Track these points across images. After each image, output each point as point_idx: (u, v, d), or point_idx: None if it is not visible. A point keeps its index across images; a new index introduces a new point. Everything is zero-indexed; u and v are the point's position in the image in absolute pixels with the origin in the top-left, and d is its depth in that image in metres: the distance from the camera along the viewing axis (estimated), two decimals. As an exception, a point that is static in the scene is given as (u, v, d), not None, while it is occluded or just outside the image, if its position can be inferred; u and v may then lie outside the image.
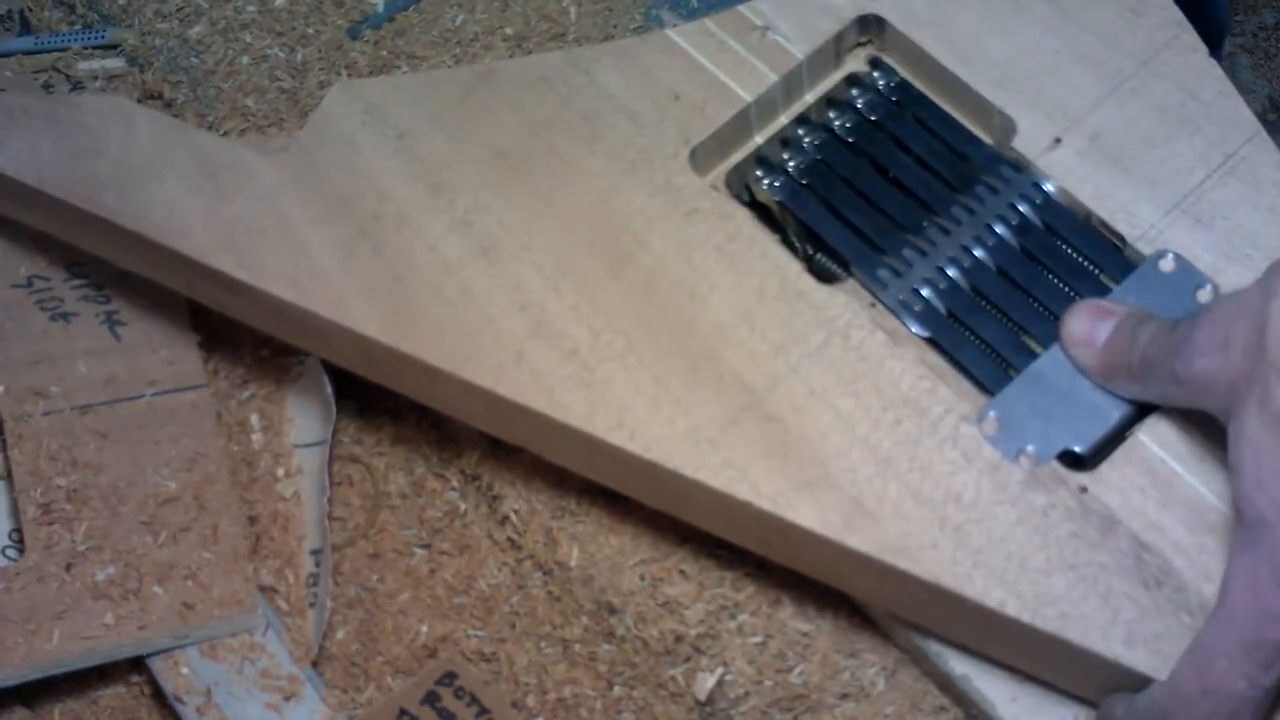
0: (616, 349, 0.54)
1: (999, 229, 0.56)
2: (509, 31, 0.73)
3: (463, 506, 0.62)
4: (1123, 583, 0.48)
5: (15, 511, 0.60)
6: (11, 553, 0.60)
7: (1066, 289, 0.55)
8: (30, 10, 0.78)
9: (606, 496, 0.59)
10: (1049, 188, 0.56)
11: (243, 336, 0.65)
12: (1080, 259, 0.55)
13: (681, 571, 0.57)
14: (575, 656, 0.58)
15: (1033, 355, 0.53)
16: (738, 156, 0.60)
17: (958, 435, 0.51)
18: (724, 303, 0.55)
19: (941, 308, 0.55)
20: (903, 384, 0.52)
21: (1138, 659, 0.47)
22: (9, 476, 0.60)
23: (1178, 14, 0.59)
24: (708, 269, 0.55)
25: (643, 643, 0.57)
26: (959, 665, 0.53)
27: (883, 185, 0.58)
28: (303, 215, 0.58)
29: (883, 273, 0.55)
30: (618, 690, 0.57)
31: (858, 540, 0.50)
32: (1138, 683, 0.47)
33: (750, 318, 0.54)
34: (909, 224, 0.57)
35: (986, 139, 0.59)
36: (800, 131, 0.60)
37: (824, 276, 0.56)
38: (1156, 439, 0.50)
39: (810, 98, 0.61)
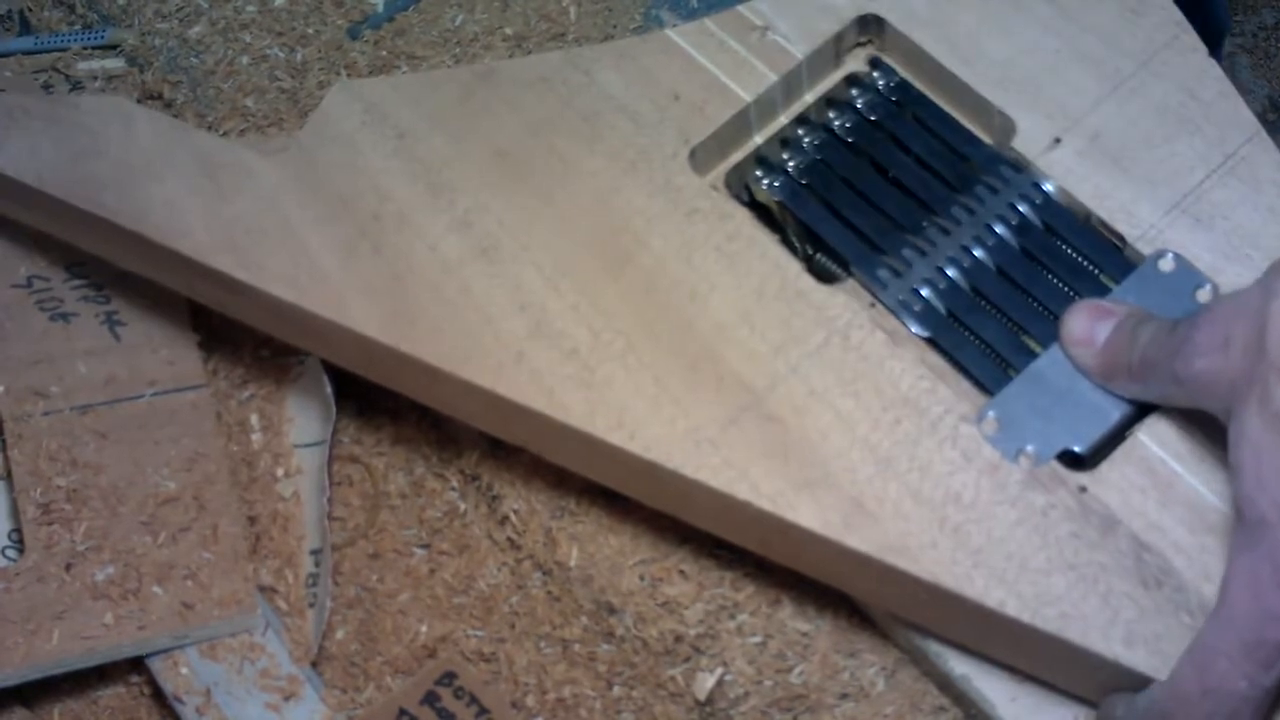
0: (616, 349, 0.54)
1: (999, 229, 0.56)
2: (509, 31, 0.73)
3: (462, 506, 0.62)
4: (1123, 583, 0.48)
5: (15, 511, 0.60)
6: (11, 553, 0.60)
7: (1066, 289, 0.55)
8: (30, 10, 0.78)
9: (606, 496, 0.59)
10: (1049, 188, 0.56)
11: (242, 336, 0.65)
12: (1080, 259, 0.55)
13: (681, 571, 0.57)
14: (575, 656, 0.58)
15: (1032, 355, 0.53)
16: (737, 156, 0.60)
17: (957, 435, 0.51)
18: (724, 303, 0.55)
19: (941, 308, 0.55)
20: (902, 384, 0.52)
21: (1137, 659, 0.47)
22: (9, 476, 0.60)
23: (1177, 14, 0.59)
24: (707, 269, 0.55)
25: (642, 643, 0.57)
26: (959, 665, 0.53)
27: (882, 185, 0.58)
28: (303, 215, 0.58)
29: (882, 273, 0.55)
30: (617, 690, 0.57)
31: (858, 540, 0.50)
32: (1138, 683, 0.47)
33: (750, 318, 0.54)
34: (909, 224, 0.57)
35: (986, 139, 0.59)
36: (800, 131, 0.60)
37: (824, 276, 0.56)
38: (1156, 439, 0.50)
39: (810, 98, 0.61)
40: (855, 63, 0.62)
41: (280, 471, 0.63)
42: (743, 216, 0.57)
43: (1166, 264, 0.53)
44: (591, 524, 0.59)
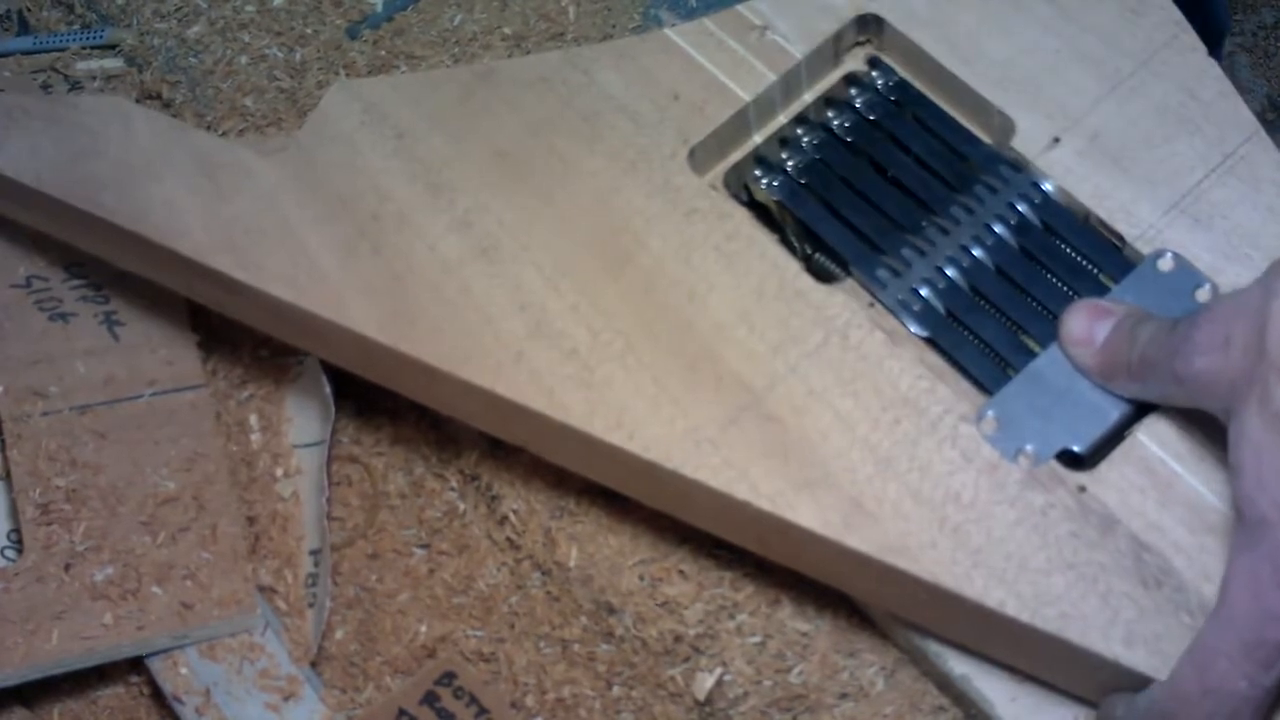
0: (616, 349, 0.54)
1: (998, 228, 0.56)
2: (507, 31, 0.72)
3: (462, 506, 0.62)
4: (1122, 582, 0.48)
5: (14, 512, 0.59)
6: (10, 553, 0.60)
7: (1065, 288, 0.55)
8: (29, 10, 0.78)
9: (606, 496, 0.59)
10: (1048, 187, 0.56)
11: (241, 336, 0.65)
12: (1079, 258, 0.55)
13: (681, 571, 0.57)
14: (574, 656, 0.58)
15: (1031, 355, 0.53)
16: (736, 156, 0.60)
17: (956, 435, 0.51)
18: (723, 302, 0.55)
19: (940, 307, 0.55)
20: (902, 384, 0.52)
21: (1137, 659, 0.47)
22: (8, 477, 0.60)
23: (1177, 14, 0.59)
24: (707, 269, 0.55)
25: (642, 643, 0.57)
26: (958, 665, 0.53)
27: (881, 185, 0.58)
28: (302, 215, 0.58)
29: (881, 272, 0.55)
30: (617, 690, 0.57)
31: (857, 540, 0.50)
32: (1137, 683, 0.47)
33: (749, 317, 0.54)
34: (908, 224, 0.57)
35: (986, 139, 0.59)
36: (799, 131, 0.60)
37: (823, 276, 0.56)
38: (1156, 439, 0.50)
39: (809, 97, 0.61)
40: (854, 62, 0.62)
41: (279, 471, 0.63)
42: (742, 216, 0.57)
43: (1166, 263, 0.53)
44: (591, 524, 0.59)
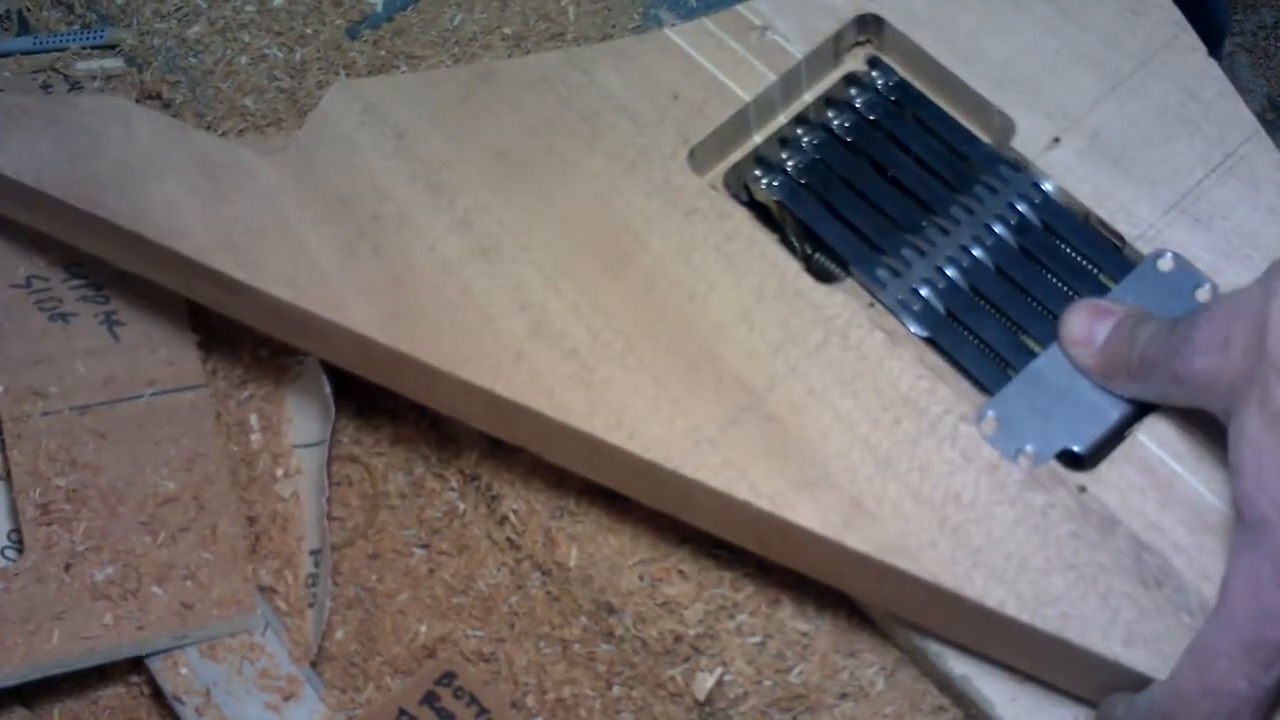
0: (616, 349, 0.54)
1: (998, 228, 0.56)
2: (507, 31, 0.73)
3: (462, 506, 0.62)
4: (1122, 583, 0.48)
5: (14, 512, 0.59)
6: (10, 553, 0.60)
7: (1065, 288, 0.55)
8: (28, 10, 0.78)
9: (606, 496, 0.59)
10: (1048, 187, 0.56)
11: (242, 336, 0.65)
12: (1079, 258, 0.55)
13: (681, 571, 0.57)
14: (574, 656, 0.58)
15: (1031, 355, 0.53)
16: (736, 156, 0.60)
17: (957, 435, 0.51)
18: (723, 302, 0.55)
19: (940, 307, 0.55)
20: (902, 384, 0.52)
21: (1137, 659, 0.47)
22: (8, 477, 0.60)
23: (1177, 14, 0.59)
24: (707, 269, 0.55)
25: (642, 643, 0.57)
26: (958, 665, 0.53)
27: (881, 185, 0.58)
28: (302, 215, 0.58)
29: (881, 272, 0.55)
30: (617, 690, 0.57)
31: (857, 540, 0.50)
32: (1137, 683, 0.47)
33: (749, 317, 0.54)
34: (908, 224, 0.57)
35: (985, 139, 0.59)
36: (799, 131, 0.60)
37: (823, 276, 0.56)
38: (1156, 439, 0.50)
39: (809, 97, 0.61)
40: (854, 62, 0.62)
41: (279, 472, 0.63)
42: (742, 216, 0.57)
43: (1166, 263, 0.53)
44: (591, 524, 0.59)
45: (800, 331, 0.54)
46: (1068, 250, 0.55)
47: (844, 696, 0.55)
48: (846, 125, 0.60)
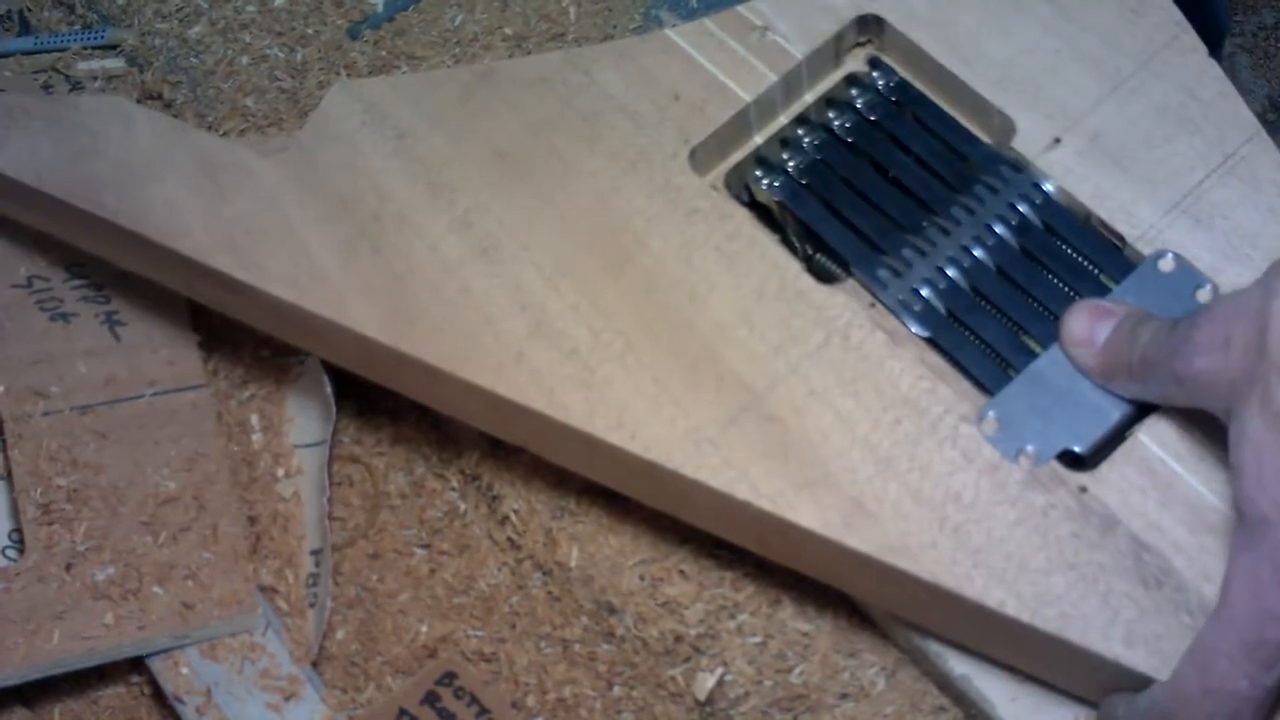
0: (616, 349, 0.54)
1: (998, 229, 0.56)
2: (508, 31, 0.73)
3: (462, 506, 0.62)
4: (1123, 583, 0.48)
5: (15, 511, 0.60)
6: (11, 553, 0.60)
7: (1066, 289, 0.55)
8: (30, 10, 0.78)
9: (606, 496, 0.59)
10: (1048, 187, 0.56)
11: (243, 336, 0.65)
12: (1080, 259, 0.55)
13: (681, 571, 0.57)
14: (575, 656, 0.58)
15: (1032, 355, 0.53)
16: (737, 156, 0.60)
17: (957, 435, 0.51)
18: (724, 303, 0.55)
19: (941, 308, 0.55)
20: (902, 384, 0.52)
21: (1137, 659, 0.47)
22: (9, 476, 0.60)
23: (1177, 14, 0.59)
24: (707, 269, 0.55)
25: (642, 643, 0.57)
26: (959, 665, 0.53)
27: (882, 185, 0.58)
28: (303, 215, 0.58)
29: (882, 273, 0.55)
30: (617, 690, 0.57)
31: (858, 540, 0.50)
32: (1138, 683, 0.47)
33: (750, 318, 0.54)
34: (909, 224, 0.57)
35: (986, 139, 0.59)
36: (800, 131, 0.60)
37: (824, 276, 0.56)
38: (1156, 439, 0.50)
39: (810, 98, 0.61)
40: (855, 63, 0.62)
41: (280, 472, 0.63)
42: (743, 216, 0.57)
43: (1166, 264, 0.53)
44: (591, 524, 0.59)
45: (801, 332, 0.54)
46: (1068, 251, 0.55)
47: (845, 696, 0.55)
48: (847, 125, 0.60)
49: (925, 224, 0.57)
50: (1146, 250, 0.54)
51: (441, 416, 0.63)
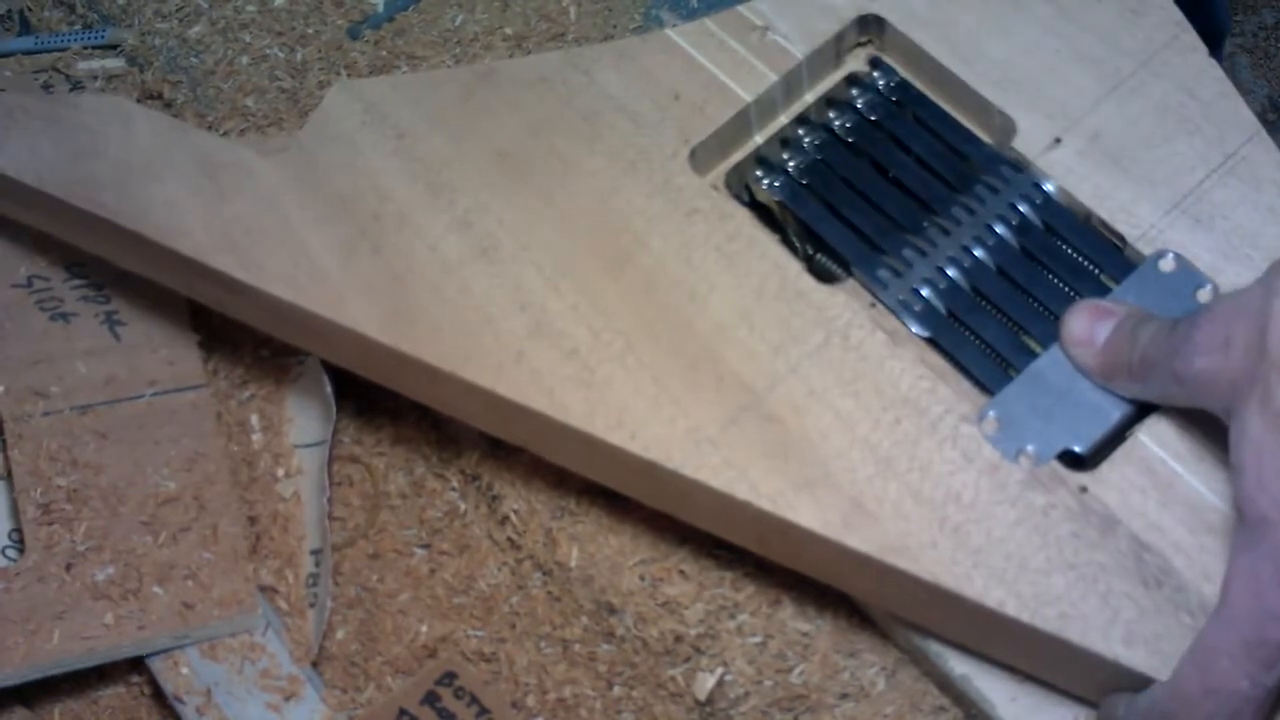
0: (616, 349, 0.54)
1: (999, 229, 0.56)
2: (509, 31, 0.73)
3: (463, 506, 0.62)
4: (1123, 583, 0.48)
5: (15, 511, 0.60)
6: (11, 553, 0.60)
7: (1066, 289, 0.55)
8: (30, 10, 0.78)
9: (606, 496, 0.59)
10: (1049, 188, 0.56)
11: (243, 336, 0.65)
12: (1080, 259, 0.55)
13: (681, 571, 0.57)
14: (575, 656, 0.58)
15: (1033, 355, 0.53)
16: (737, 156, 0.60)
17: (957, 435, 0.51)
18: (724, 303, 0.55)
19: (941, 307, 0.55)
20: (902, 384, 0.52)
21: (1137, 659, 0.47)
22: (9, 476, 0.60)
23: (1178, 14, 0.59)
24: (707, 269, 0.55)
25: (642, 643, 0.57)
26: (959, 665, 0.53)
27: (883, 185, 0.58)
28: (303, 215, 0.58)
29: (883, 273, 0.55)
30: (617, 690, 0.57)
31: (858, 540, 0.50)
32: (1138, 683, 0.47)
33: (750, 318, 0.54)
34: (909, 224, 0.57)
35: (986, 139, 0.59)
36: (800, 131, 0.60)
37: (824, 276, 0.56)
38: (1156, 439, 0.50)
39: (810, 98, 0.61)
40: (855, 63, 0.62)
41: (280, 471, 0.63)
42: (743, 216, 0.57)
43: (1167, 264, 0.53)
44: (591, 524, 0.59)
45: (801, 332, 0.54)
46: (1069, 251, 0.55)
47: (845, 696, 0.55)
48: (848, 125, 0.60)
49: (925, 224, 0.57)
50: (1147, 250, 0.54)
51: (441, 416, 0.63)
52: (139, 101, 0.72)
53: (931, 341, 0.54)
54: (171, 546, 0.60)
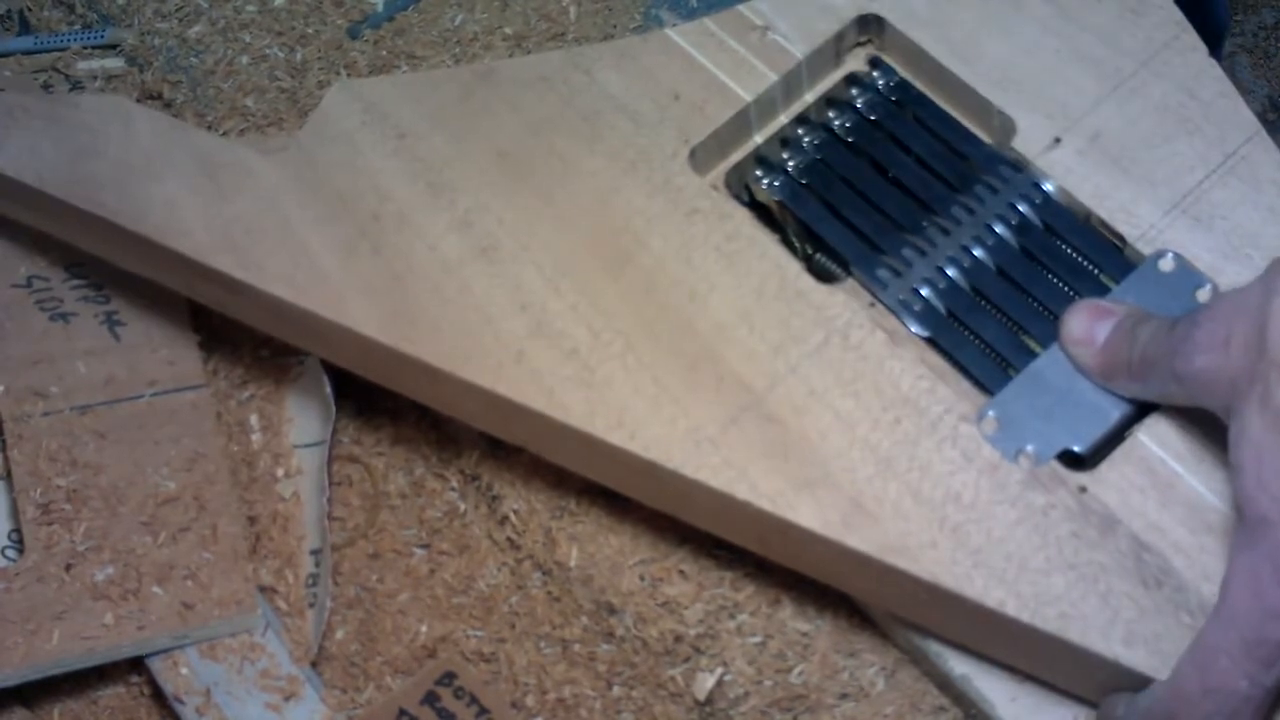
0: (616, 349, 0.54)
1: (998, 229, 0.56)
2: (508, 31, 0.73)
3: (462, 506, 0.62)
4: (1122, 583, 0.48)
5: (15, 512, 0.59)
6: (11, 553, 0.60)
7: (1066, 289, 0.55)
8: (30, 10, 0.78)
9: (606, 496, 0.59)
10: (1049, 187, 0.56)
11: (243, 336, 0.65)
12: (1080, 259, 0.55)
13: (681, 571, 0.57)
14: (575, 656, 0.58)
15: (1032, 355, 0.53)
16: (737, 156, 0.60)
17: (957, 435, 0.51)
18: (723, 302, 0.55)
19: (941, 307, 0.55)
20: (902, 384, 0.52)
21: (1137, 659, 0.47)
22: (9, 476, 0.60)
23: (1178, 14, 0.59)
24: (707, 269, 0.55)
25: (642, 643, 0.57)
26: (959, 665, 0.53)
27: (882, 185, 0.58)
28: (302, 215, 0.58)
29: (882, 272, 0.55)
30: (617, 690, 0.57)
31: (857, 540, 0.50)
32: (1137, 683, 0.47)
33: (750, 317, 0.54)
34: (908, 224, 0.57)
35: (986, 139, 0.59)
36: (800, 131, 0.60)
37: (823, 276, 0.56)
38: (1156, 439, 0.50)
39: (810, 97, 0.61)
40: (855, 62, 0.62)
41: (280, 471, 0.63)
42: (742, 216, 0.57)
43: (1166, 264, 0.53)
44: (591, 524, 0.59)
45: (801, 331, 0.54)
46: (1068, 250, 0.55)
47: (844, 696, 0.55)
48: (847, 125, 0.60)
49: (925, 224, 0.57)
50: (1146, 250, 0.54)
51: (441, 416, 0.63)
52: (139, 101, 0.72)
53: (931, 341, 0.54)
54: (171, 546, 0.60)
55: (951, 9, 0.60)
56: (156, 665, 0.58)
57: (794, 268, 0.55)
